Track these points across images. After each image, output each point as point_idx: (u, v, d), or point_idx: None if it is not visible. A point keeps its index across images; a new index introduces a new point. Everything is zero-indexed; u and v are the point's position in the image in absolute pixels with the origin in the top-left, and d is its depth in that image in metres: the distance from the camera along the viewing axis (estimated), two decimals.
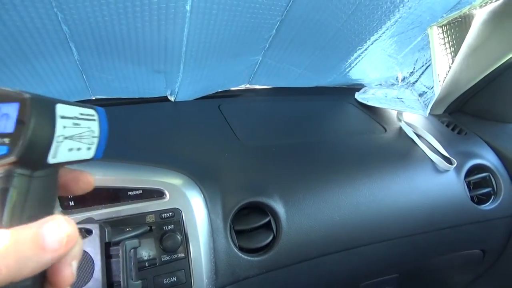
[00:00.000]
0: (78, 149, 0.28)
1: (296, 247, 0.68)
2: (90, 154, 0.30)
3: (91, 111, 0.30)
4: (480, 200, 0.89)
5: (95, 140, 0.30)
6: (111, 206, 0.56)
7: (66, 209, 0.54)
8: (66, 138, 0.27)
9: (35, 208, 0.25)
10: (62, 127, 0.26)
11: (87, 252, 0.43)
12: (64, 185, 0.31)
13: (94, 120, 0.30)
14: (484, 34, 0.82)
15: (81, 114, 0.28)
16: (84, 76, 0.77)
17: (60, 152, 0.26)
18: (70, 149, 0.27)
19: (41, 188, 0.26)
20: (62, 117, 0.26)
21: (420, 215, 0.79)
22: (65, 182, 0.31)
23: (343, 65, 0.95)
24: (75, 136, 0.28)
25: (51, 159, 0.26)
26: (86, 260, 0.43)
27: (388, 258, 0.82)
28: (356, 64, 0.96)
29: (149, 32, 0.64)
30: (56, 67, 0.72)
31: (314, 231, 0.70)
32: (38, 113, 0.24)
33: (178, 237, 0.57)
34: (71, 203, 0.54)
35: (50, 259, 0.23)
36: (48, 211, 0.26)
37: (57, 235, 0.23)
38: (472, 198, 0.86)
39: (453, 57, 0.79)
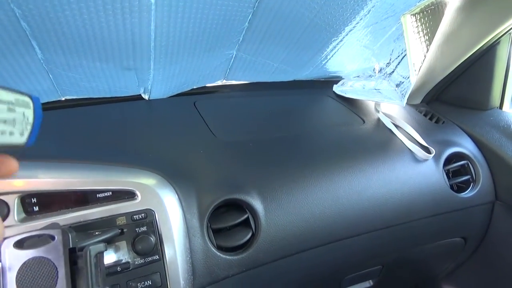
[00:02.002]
0: (11, 133, 0.29)
1: (276, 244, 0.67)
2: (22, 139, 0.31)
3: (26, 98, 0.31)
4: (460, 188, 0.90)
5: (29, 127, 0.31)
6: (78, 210, 0.53)
7: (30, 215, 0.51)
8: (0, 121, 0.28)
9: None
10: None
11: (49, 260, 0.41)
12: None
13: (29, 107, 0.31)
14: (457, 22, 0.82)
15: (17, 100, 0.30)
16: (50, 76, 0.74)
17: None
18: (3, 132, 0.28)
19: None
20: None
21: (400, 206, 0.79)
22: None
23: (319, 57, 0.94)
24: (9, 120, 0.29)
25: None
26: (48, 268, 0.40)
27: (371, 250, 0.82)
28: (332, 56, 0.95)
29: (114, 27, 0.61)
30: (20, 67, 0.69)
31: (294, 226, 0.68)
32: None
33: (152, 239, 0.55)
34: (35, 208, 0.52)
35: None
36: None
37: None
38: (451, 186, 0.86)
39: (428, 45, 0.79)
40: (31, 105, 0.32)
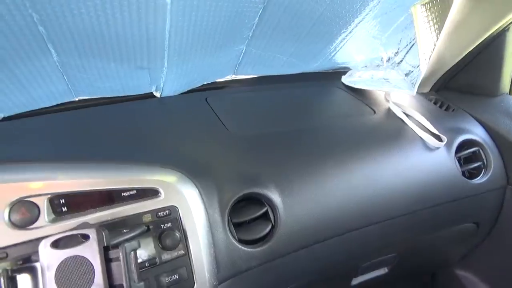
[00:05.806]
0: None
1: (295, 235, 0.68)
2: None
3: None
4: (471, 174, 0.91)
5: None
6: (105, 209, 0.54)
7: (59, 215, 0.53)
8: None
9: None
10: None
11: (86, 258, 0.42)
12: None
13: None
14: (466, 9, 0.82)
15: None
16: (65, 78, 0.75)
17: None
18: None
19: None
20: None
21: (414, 194, 0.80)
22: None
23: (328, 49, 0.95)
24: None
25: None
26: (85, 266, 0.42)
27: (385, 238, 0.83)
28: (341, 48, 0.95)
29: (129, 28, 0.62)
30: (36, 71, 0.70)
31: (312, 217, 0.70)
32: None
33: (177, 234, 0.56)
34: (64, 209, 0.53)
35: None
36: None
37: None
38: (463, 173, 0.87)
39: (438, 34, 0.79)
40: None
